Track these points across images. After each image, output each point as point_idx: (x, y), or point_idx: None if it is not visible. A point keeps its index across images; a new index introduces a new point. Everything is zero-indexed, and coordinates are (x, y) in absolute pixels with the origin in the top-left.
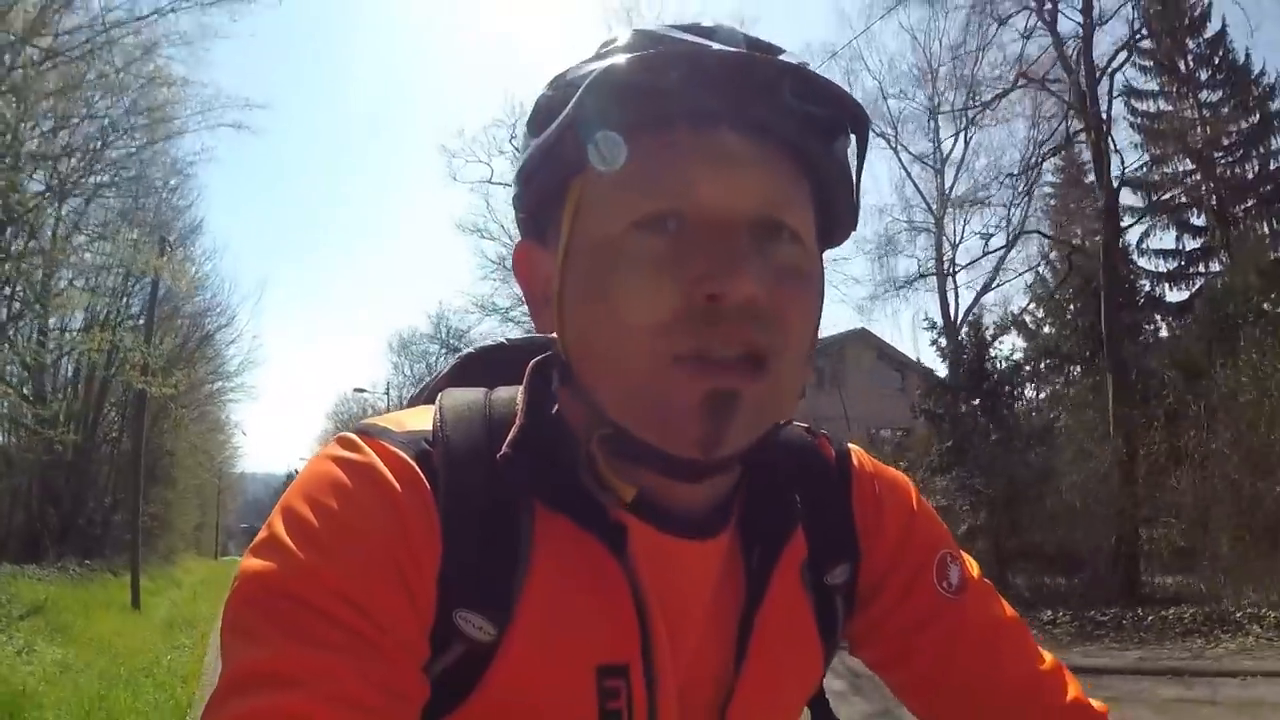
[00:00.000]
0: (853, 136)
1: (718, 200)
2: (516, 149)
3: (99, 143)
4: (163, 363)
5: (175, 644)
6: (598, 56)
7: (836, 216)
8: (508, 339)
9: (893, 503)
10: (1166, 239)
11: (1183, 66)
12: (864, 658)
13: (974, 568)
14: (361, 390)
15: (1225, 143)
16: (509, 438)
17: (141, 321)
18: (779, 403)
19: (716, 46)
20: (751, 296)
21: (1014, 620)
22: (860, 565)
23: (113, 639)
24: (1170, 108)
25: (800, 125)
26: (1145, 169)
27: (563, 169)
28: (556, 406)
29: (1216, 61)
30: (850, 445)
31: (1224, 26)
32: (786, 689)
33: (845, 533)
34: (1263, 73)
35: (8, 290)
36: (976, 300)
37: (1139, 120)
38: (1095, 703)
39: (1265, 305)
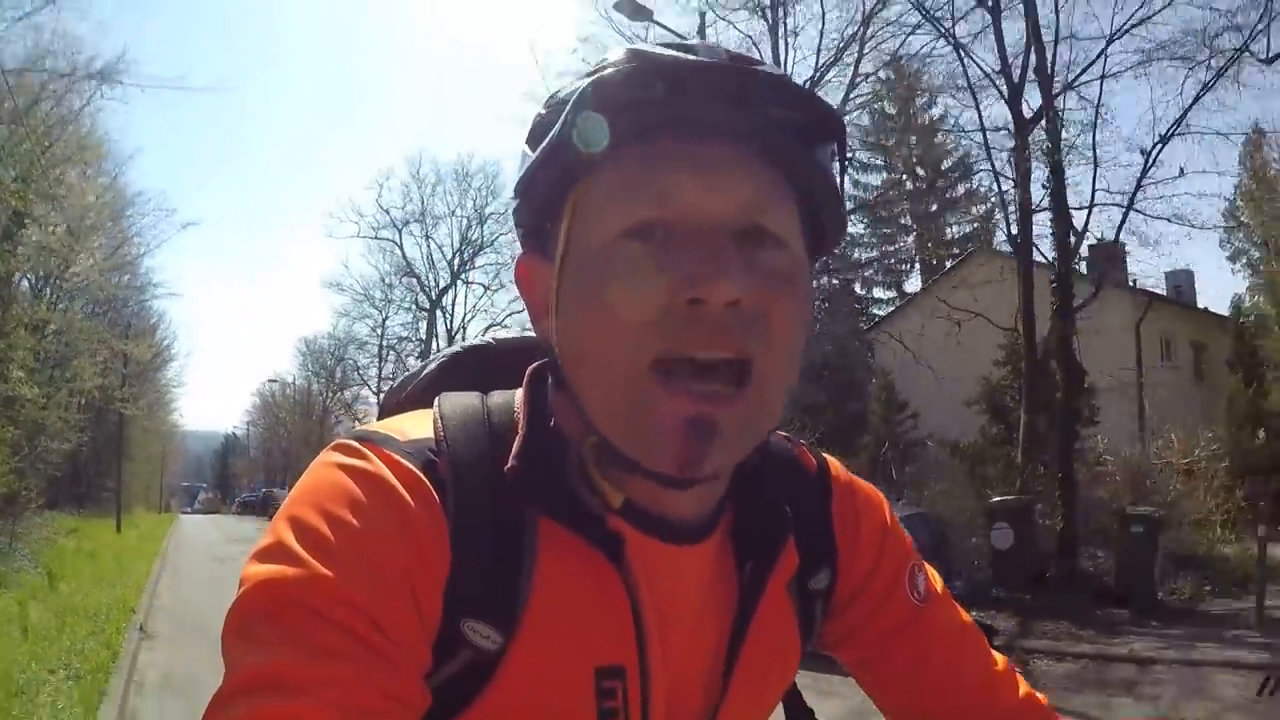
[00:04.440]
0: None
1: (701, 207)
2: (381, 207)
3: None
4: (134, 395)
5: (143, 545)
6: (589, 74)
7: (823, 224)
8: (495, 338)
9: (869, 517)
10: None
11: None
12: (841, 658)
13: (936, 579)
14: (273, 381)
15: (931, 211)
16: (514, 451)
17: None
18: (761, 419)
19: (696, 59)
20: (734, 299)
21: (971, 625)
22: (839, 573)
23: (111, 542)
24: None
25: (780, 133)
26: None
27: (559, 182)
28: (553, 413)
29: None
30: (826, 456)
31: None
32: (769, 690)
33: (826, 541)
34: (965, 155)
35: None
36: None
37: (858, 194)
38: (1040, 696)
39: None
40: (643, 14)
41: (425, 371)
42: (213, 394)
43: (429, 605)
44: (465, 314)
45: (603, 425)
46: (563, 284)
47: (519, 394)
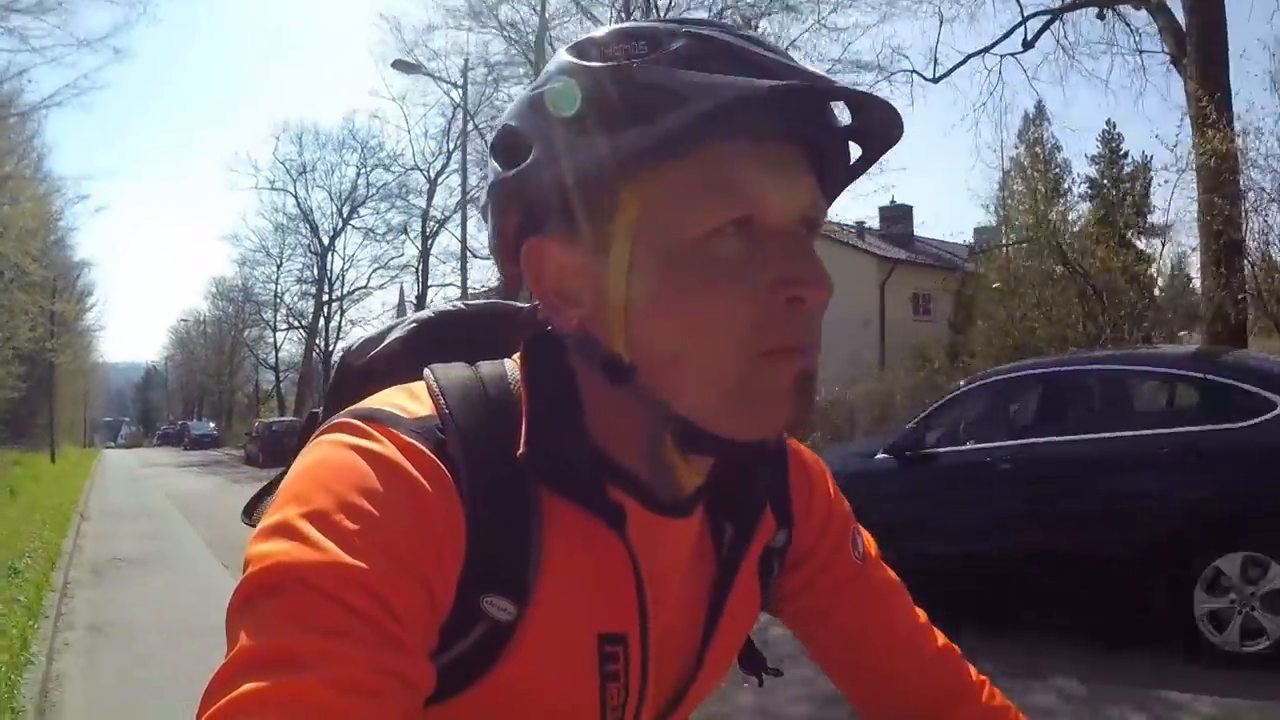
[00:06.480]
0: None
1: (783, 206)
2: (277, 159)
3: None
4: (62, 345)
5: (76, 471)
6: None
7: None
8: (465, 303)
9: (820, 485)
10: None
11: None
12: (785, 614)
13: (870, 541)
14: (185, 320)
15: None
16: (524, 432)
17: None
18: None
19: (771, 83)
20: (828, 299)
21: (899, 583)
22: (793, 534)
23: (49, 470)
24: None
25: (840, 141)
26: None
27: (616, 174)
28: (580, 396)
29: None
30: None
31: None
32: (737, 645)
33: (784, 504)
34: None
35: None
36: None
37: None
38: (954, 646)
39: None
40: (415, 69)
41: (390, 337)
42: (135, 325)
43: (442, 587)
44: (348, 257)
45: (701, 412)
46: (635, 282)
47: (509, 365)
